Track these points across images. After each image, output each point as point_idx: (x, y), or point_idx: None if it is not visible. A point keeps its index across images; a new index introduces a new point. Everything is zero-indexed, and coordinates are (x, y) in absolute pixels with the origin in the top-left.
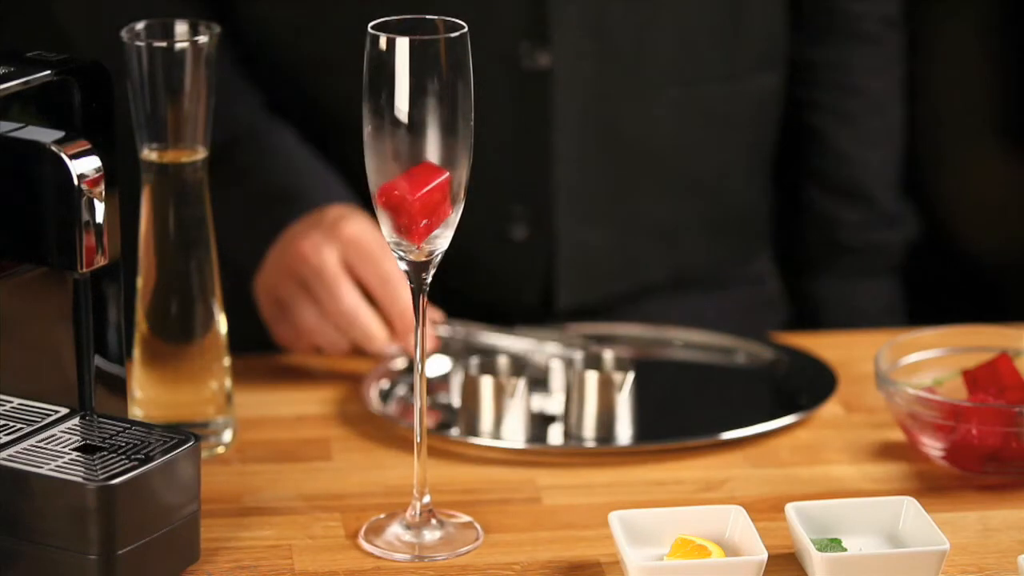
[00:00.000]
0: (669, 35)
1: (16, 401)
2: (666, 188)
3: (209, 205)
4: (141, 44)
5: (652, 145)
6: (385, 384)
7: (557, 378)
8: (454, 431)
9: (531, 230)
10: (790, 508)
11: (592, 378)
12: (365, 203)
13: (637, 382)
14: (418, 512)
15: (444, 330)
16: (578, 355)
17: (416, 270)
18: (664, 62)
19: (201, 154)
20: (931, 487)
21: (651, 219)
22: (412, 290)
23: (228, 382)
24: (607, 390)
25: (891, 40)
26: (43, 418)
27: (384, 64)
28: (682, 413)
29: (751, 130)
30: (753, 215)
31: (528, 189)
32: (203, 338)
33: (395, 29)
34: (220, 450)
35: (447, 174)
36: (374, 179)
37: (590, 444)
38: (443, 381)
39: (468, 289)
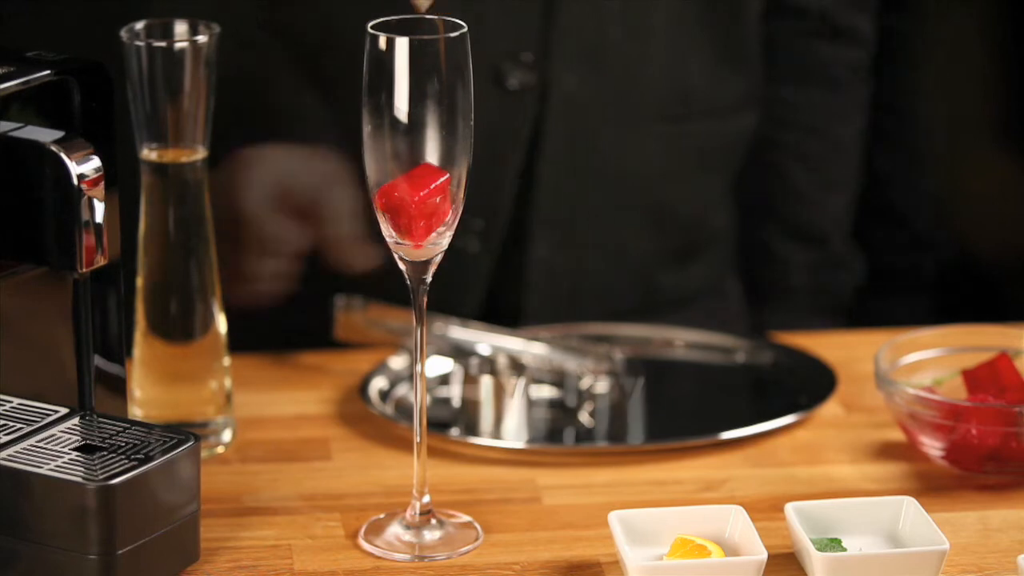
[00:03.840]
0: (662, 70)
1: (16, 401)
2: (642, 218)
3: (209, 205)
4: (140, 44)
5: (633, 175)
6: (385, 384)
7: (571, 380)
8: (454, 431)
9: (483, 245)
10: (790, 508)
11: (603, 383)
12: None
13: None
14: (418, 512)
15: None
16: (589, 359)
17: (416, 270)
18: (655, 96)
19: (201, 154)
20: (931, 487)
21: (624, 247)
22: (412, 291)
23: (228, 382)
24: (618, 395)
25: (858, 88)
26: (43, 418)
27: (384, 64)
28: (682, 413)
29: (728, 165)
30: (724, 241)
31: (497, 209)
32: (203, 338)
33: (395, 29)
34: (220, 450)
35: (447, 175)
36: (373, 179)
37: (590, 444)
38: (444, 380)
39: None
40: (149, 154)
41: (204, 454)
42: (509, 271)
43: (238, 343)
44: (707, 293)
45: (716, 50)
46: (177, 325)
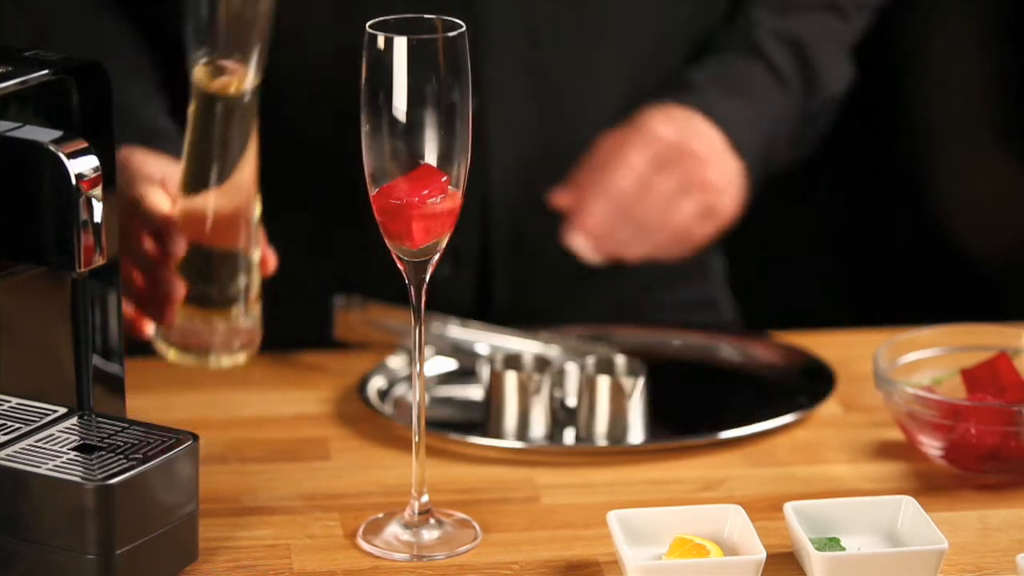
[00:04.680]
0: (609, 66)
1: (14, 400)
2: None
3: (257, 129)
4: None
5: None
6: (383, 384)
7: (571, 380)
8: (453, 431)
9: (454, 268)
10: (789, 507)
11: (604, 383)
12: (363, 206)
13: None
14: (416, 511)
15: (439, 328)
16: (590, 359)
17: (415, 270)
18: (603, 92)
19: (253, 81)
20: (930, 486)
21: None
22: (411, 289)
23: (256, 279)
24: (618, 395)
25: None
26: (41, 417)
27: (382, 63)
28: (681, 412)
29: None
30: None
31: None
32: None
33: (393, 28)
34: (241, 359)
35: (447, 176)
36: (372, 180)
37: (590, 444)
38: (457, 379)
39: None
40: (199, 75)
41: (225, 362)
42: (480, 295)
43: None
44: (693, 294)
45: (663, 33)
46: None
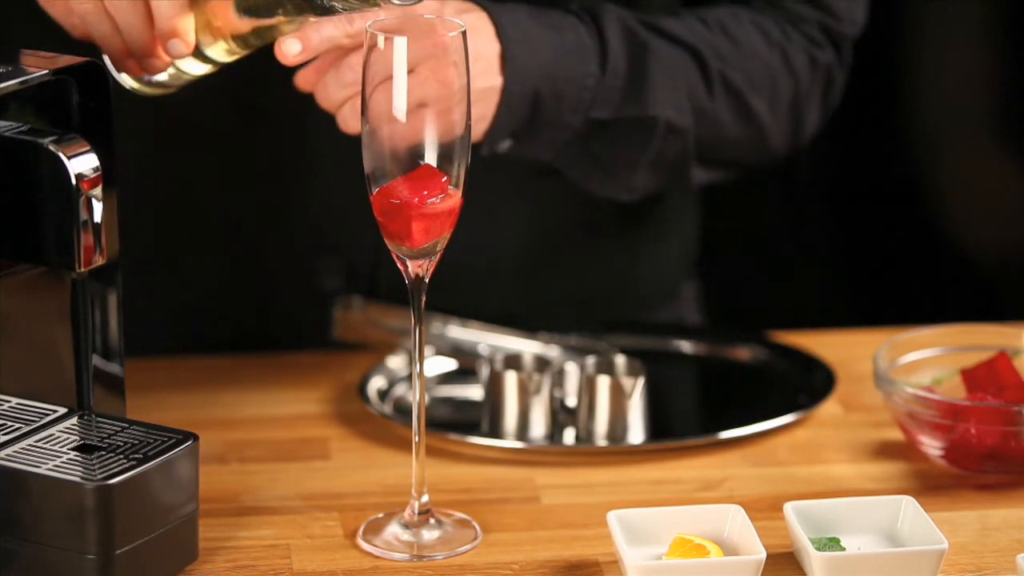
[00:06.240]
0: None
1: (14, 400)
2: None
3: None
4: None
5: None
6: (383, 384)
7: (571, 380)
8: (452, 431)
9: (345, 280)
10: (789, 507)
11: (604, 383)
12: (362, 206)
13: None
14: (416, 511)
15: (438, 328)
16: (590, 359)
17: (415, 271)
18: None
19: None
20: (930, 486)
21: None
22: (410, 290)
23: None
24: (618, 395)
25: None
26: (41, 417)
27: (382, 64)
28: (681, 412)
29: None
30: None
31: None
32: None
33: (393, 28)
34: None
35: (447, 176)
36: (372, 180)
37: (590, 444)
38: (458, 378)
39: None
40: None
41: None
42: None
43: (237, 343)
44: (663, 317)
45: None
46: None
